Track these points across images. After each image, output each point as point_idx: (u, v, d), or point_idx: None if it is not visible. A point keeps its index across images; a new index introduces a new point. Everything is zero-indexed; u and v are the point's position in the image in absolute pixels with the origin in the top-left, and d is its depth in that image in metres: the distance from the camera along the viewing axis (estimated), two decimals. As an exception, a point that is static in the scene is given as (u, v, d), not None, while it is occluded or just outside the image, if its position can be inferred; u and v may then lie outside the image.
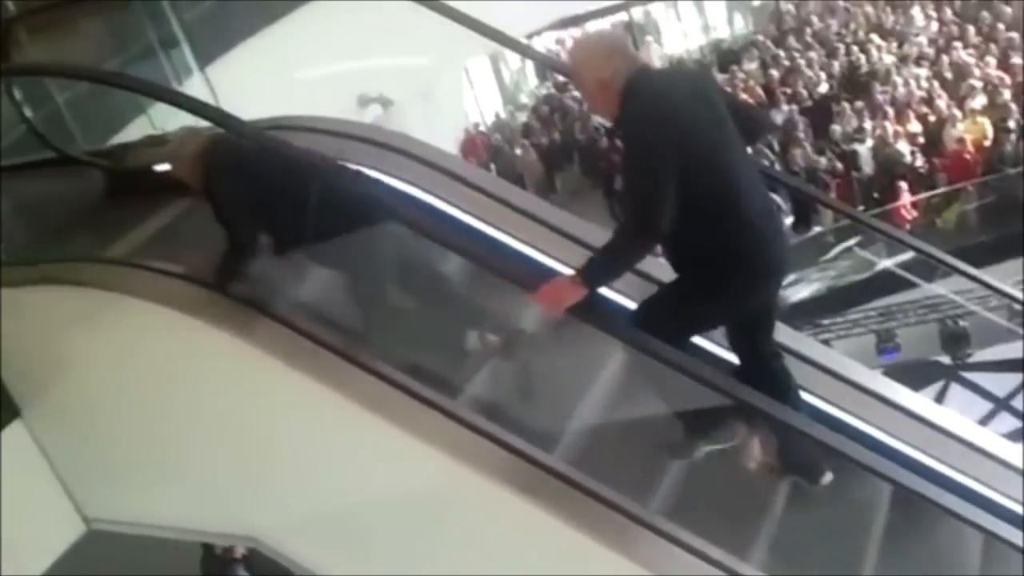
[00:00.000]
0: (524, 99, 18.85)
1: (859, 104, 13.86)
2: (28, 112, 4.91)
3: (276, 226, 3.65)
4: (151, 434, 3.80)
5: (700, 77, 3.39)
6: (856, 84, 14.59)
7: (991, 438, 3.99)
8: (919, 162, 12.97)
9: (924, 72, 14.09)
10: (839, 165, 13.35)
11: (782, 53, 15.90)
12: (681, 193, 2.94)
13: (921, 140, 13.14)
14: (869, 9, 16.94)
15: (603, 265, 3.07)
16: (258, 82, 4.11)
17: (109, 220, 4.32)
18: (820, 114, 14.18)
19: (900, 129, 13.21)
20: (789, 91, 14.58)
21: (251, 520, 3.72)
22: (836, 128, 13.65)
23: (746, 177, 3.16)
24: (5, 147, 5.35)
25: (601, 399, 3.68)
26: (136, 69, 5.98)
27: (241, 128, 3.37)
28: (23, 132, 5.00)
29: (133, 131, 5.43)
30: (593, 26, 18.39)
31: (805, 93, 14.57)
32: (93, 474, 4.06)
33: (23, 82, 4.83)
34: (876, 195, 13.12)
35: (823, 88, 14.67)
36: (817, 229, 12.84)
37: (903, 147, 12.98)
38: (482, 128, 17.11)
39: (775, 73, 15.28)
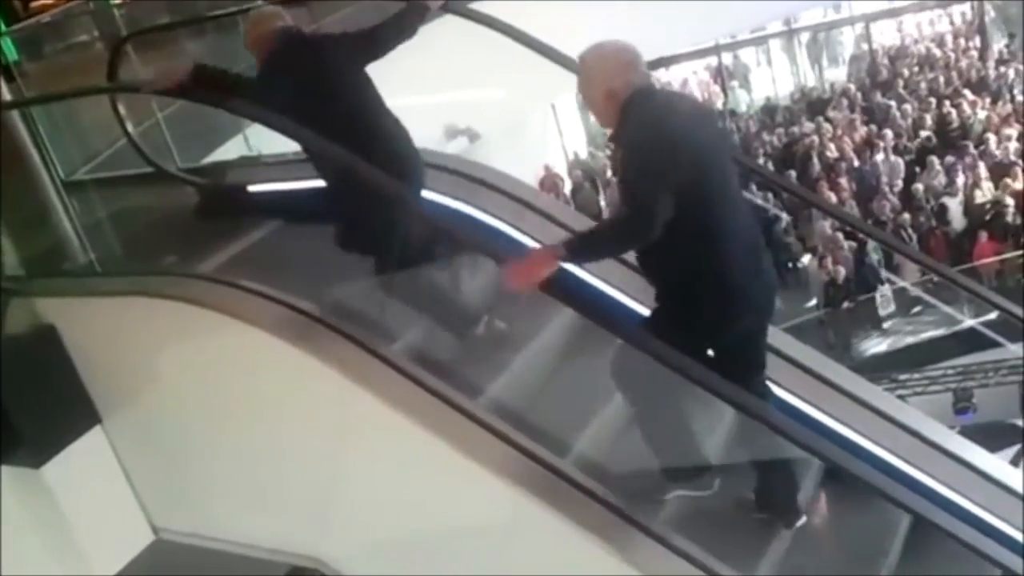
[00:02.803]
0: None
1: (949, 159, 13.63)
2: (130, 127, 5.05)
3: None
4: (226, 450, 3.85)
5: (699, 103, 3.42)
6: (947, 139, 14.36)
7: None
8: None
9: (1015, 132, 13.81)
10: (927, 220, 13.12)
11: (873, 103, 15.75)
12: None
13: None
14: (964, 64, 16.71)
15: (591, 244, 3.14)
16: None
17: (200, 236, 4.40)
18: (911, 167, 14.01)
19: (990, 185, 12.97)
20: (882, 143, 14.40)
21: (319, 544, 3.72)
22: (918, 187, 13.42)
23: (734, 207, 3.17)
24: (106, 160, 5.54)
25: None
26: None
27: (335, 152, 3.43)
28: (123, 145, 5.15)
29: (229, 150, 5.57)
30: (683, 68, 18.54)
31: (893, 145, 14.39)
32: (165, 484, 4.12)
33: (126, 97, 4.98)
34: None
35: (914, 142, 14.47)
36: (898, 283, 12.63)
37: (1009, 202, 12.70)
38: (563, 165, 17.13)
39: (867, 124, 15.10)
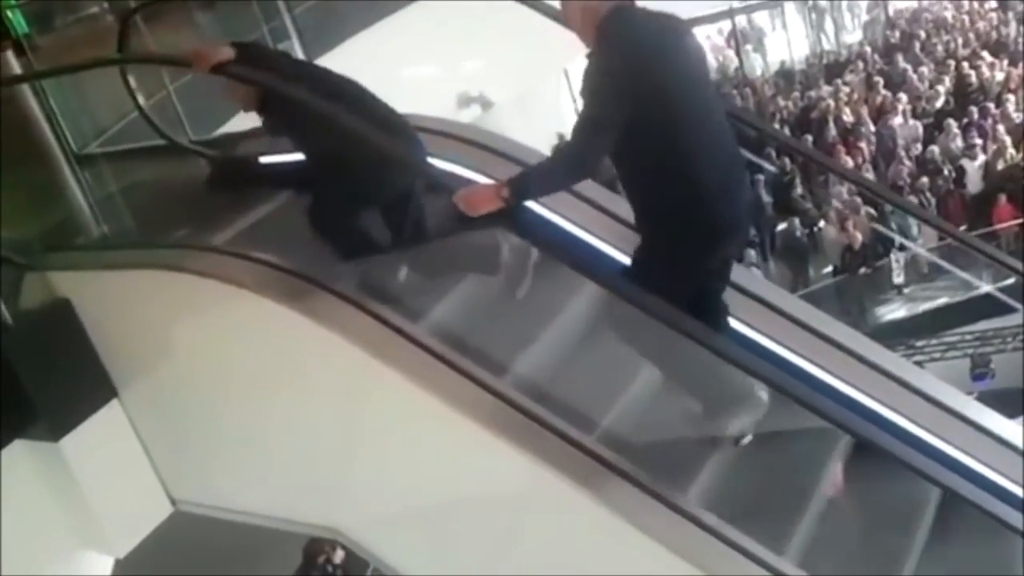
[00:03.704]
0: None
1: (966, 121, 13.47)
2: (141, 99, 5.03)
3: None
4: (242, 421, 3.86)
5: (682, 25, 3.32)
6: (965, 101, 14.19)
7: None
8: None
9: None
10: (945, 183, 12.97)
11: (889, 66, 15.57)
12: (638, 145, 3.00)
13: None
14: (981, 25, 16.50)
15: (532, 182, 3.12)
16: (363, 78, 4.16)
17: (213, 208, 4.39)
18: (929, 131, 13.86)
19: (1013, 152, 12.82)
20: (900, 107, 14.25)
21: (336, 513, 3.74)
22: (934, 149, 13.27)
23: (709, 133, 3.13)
24: (118, 133, 5.52)
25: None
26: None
27: (350, 121, 3.41)
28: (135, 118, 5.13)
29: (242, 122, 5.53)
30: (696, 32, 18.39)
31: (911, 108, 14.24)
32: (183, 456, 4.13)
33: (137, 70, 4.95)
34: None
35: (937, 103, 14.30)
36: (915, 249, 12.54)
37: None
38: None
39: (883, 88, 14.94)
